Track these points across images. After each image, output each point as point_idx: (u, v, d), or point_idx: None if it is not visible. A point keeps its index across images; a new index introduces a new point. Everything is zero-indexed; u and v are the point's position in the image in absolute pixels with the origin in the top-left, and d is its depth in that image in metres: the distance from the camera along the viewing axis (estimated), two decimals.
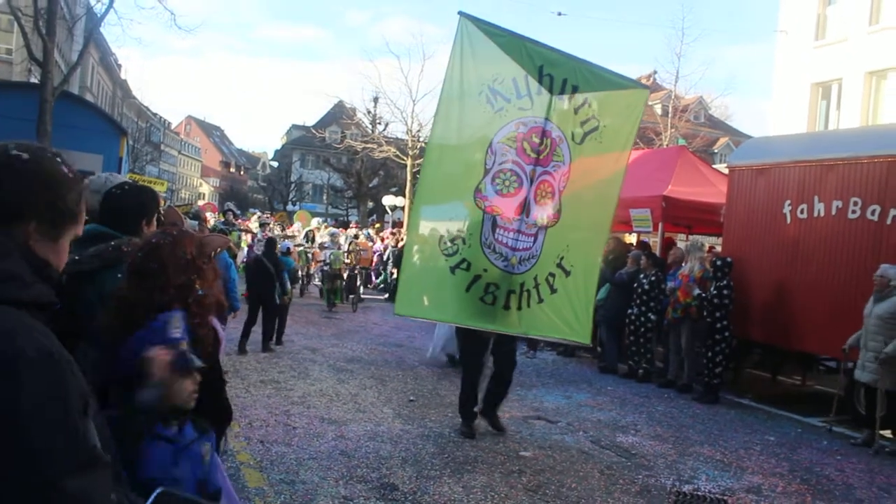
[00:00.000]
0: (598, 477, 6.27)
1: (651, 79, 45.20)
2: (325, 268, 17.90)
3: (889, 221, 8.41)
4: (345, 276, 17.64)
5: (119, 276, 2.78)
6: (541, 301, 6.81)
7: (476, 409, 7.43)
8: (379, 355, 11.42)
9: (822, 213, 9.22)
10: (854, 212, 8.79)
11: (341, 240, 19.20)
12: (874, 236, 8.57)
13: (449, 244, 6.61)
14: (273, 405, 7.80)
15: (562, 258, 6.88)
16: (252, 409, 7.51)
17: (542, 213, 6.77)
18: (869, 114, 21.07)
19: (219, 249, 2.54)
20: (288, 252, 13.63)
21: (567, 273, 6.90)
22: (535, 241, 6.76)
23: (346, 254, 18.13)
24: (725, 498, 5.98)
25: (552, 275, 6.84)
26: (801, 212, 9.48)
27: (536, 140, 6.65)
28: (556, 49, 6.84)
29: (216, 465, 2.33)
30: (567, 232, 6.90)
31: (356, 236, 22.22)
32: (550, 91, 6.66)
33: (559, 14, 52.23)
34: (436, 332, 10.95)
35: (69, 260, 3.01)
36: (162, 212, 3.58)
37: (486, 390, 7.52)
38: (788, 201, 9.64)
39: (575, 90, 6.76)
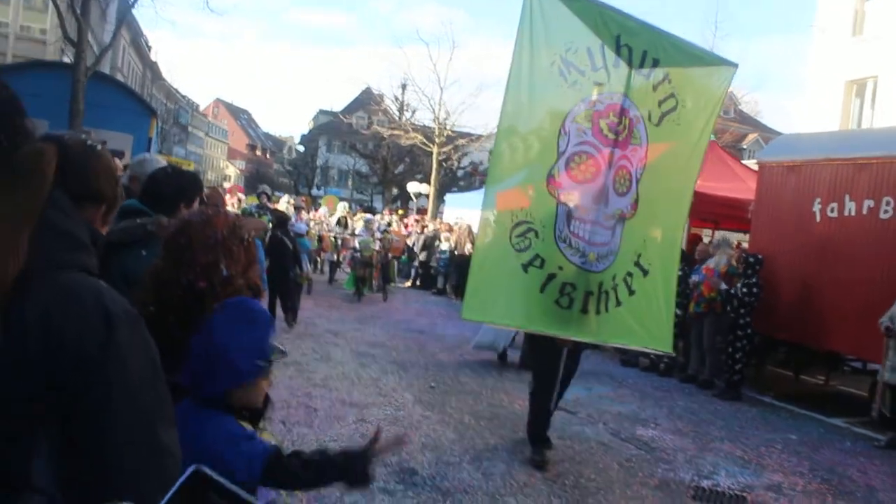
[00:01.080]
0: (617, 469, 6.27)
1: None
2: (357, 254, 17.06)
3: None
4: (376, 263, 16.95)
5: (144, 253, 2.82)
6: (619, 304, 5.99)
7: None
8: (401, 341, 11.47)
9: (853, 213, 9.11)
10: (886, 212, 8.68)
11: (374, 226, 18.87)
12: None
13: (520, 238, 5.73)
14: (295, 387, 7.87)
15: (640, 255, 6.09)
16: (274, 391, 7.50)
17: (621, 202, 5.95)
18: None
19: (253, 233, 2.55)
20: (301, 234, 13.97)
21: (645, 273, 6.10)
22: (612, 235, 5.93)
23: (377, 241, 17.37)
24: (745, 494, 5.96)
25: (630, 274, 6.04)
26: (832, 210, 9.36)
27: (615, 119, 5.82)
28: (635, 17, 6.01)
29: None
30: (644, 226, 6.13)
31: (389, 224, 21.82)
32: (629, 64, 5.82)
33: None
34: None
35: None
36: (206, 193, 3.65)
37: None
38: (818, 199, 9.53)
39: (655, 64, 5.94)
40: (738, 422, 8.38)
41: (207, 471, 1.06)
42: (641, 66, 5.87)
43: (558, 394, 6.53)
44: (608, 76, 5.87)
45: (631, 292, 6.03)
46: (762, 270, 9.65)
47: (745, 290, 9.53)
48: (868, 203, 8.90)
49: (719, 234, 13.16)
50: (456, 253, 18.63)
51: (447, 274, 19.62)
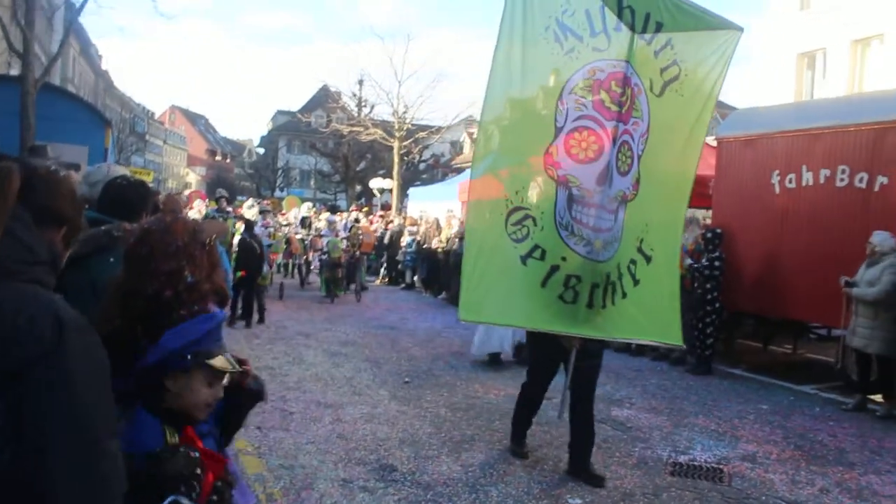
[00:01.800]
0: (595, 451, 6.28)
1: None
2: (324, 257, 16.87)
3: (877, 188, 8.45)
4: (344, 263, 16.70)
5: (111, 260, 2.78)
6: (625, 296, 5.39)
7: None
8: (373, 338, 11.43)
9: (810, 183, 9.25)
10: (842, 180, 8.83)
11: (339, 226, 18.60)
12: (862, 204, 8.60)
13: (517, 227, 5.14)
14: (268, 391, 7.73)
15: (641, 241, 5.49)
16: None
17: (623, 183, 5.32)
18: (854, 82, 21.13)
19: (215, 236, 2.51)
20: (272, 236, 14.44)
21: (648, 259, 5.51)
22: (615, 220, 5.31)
23: (343, 240, 17.15)
24: (721, 467, 6.04)
25: (633, 262, 5.45)
26: (790, 181, 9.50)
27: (617, 89, 5.17)
28: None
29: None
30: (646, 208, 5.49)
31: (357, 220, 21.43)
32: (632, 28, 5.19)
33: None
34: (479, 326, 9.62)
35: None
36: (161, 200, 3.63)
37: (571, 437, 5.87)
38: (777, 171, 9.66)
39: (658, 28, 5.29)
40: (711, 396, 8.49)
41: (184, 501, 1.05)
42: (644, 30, 5.25)
43: (575, 399, 5.77)
44: (608, 41, 5.23)
45: (636, 282, 5.46)
46: (725, 245, 9.78)
47: (707, 263, 9.66)
48: (824, 172, 9.05)
49: (688, 213, 13.28)
50: (424, 246, 18.61)
51: (415, 268, 19.60)
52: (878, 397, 8.12)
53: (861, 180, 8.62)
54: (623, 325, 5.55)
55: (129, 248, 2.30)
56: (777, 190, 9.67)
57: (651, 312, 5.61)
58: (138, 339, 2.00)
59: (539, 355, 5.96)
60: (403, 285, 19.90)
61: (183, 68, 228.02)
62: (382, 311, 14.68)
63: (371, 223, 23.80)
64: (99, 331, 2.19)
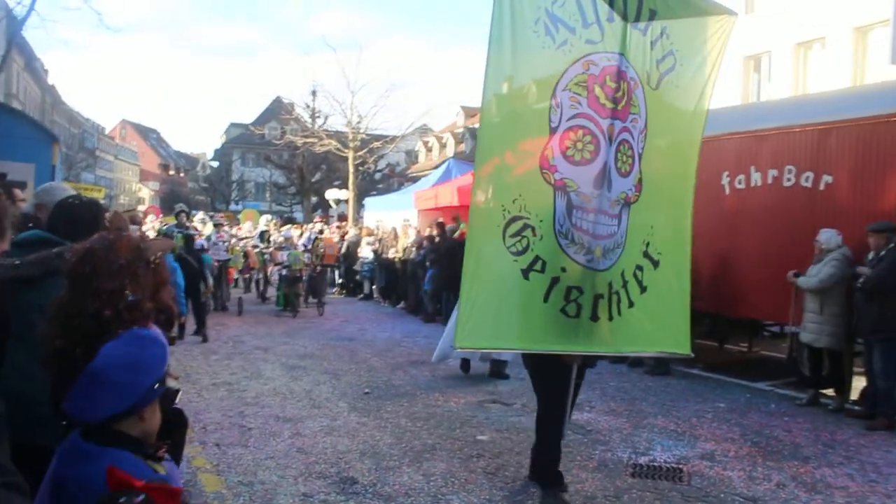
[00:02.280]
0: None
1: None
2: (284, 270, 16.27)
3: (822, 187, 8.65)
4: (304, 276, 16.34)
5: (64, 282, 2.72)
6: (631, 305, 4.98)
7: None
8: (331, 350, 11.35)
9: (759, 183, 9.43)
10: (789, 180, 9.01)
11: (295, 238, 18.20)
12: (809, 202, 8.80)
13: (516, 238, 4.65)
14: (227, 407, 7.69)
15: (648, 245, 5.13)
16: (205, 413, 7.40)
17: (625, 184, 4.95)
18: (798, 84, 21.66)
19: (160, 253, 2.47)
20: (203, 249, 14.15)
21: (655, 264, 5.14)
22: (619, 224, 4.93)
23: (305, 252, 16.68)
24: (681, 466, 6.10)
25: (640, 268, 5.06)
26: (739, 182, 9.67)
27: (612, 84, 4.81)
28: None
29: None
30: (650, 209, 5.14)
31: (321, 231, 20.64)
32: (624, 17, 4.84)
33: None
34: (446, 329, 9.56)
35: (8, 265, 2.92)
36: (108, 218, 3.57)
37: (537, 443, 5.63)
38: (726, 172, 9.83)
39: (652, 16, 4.96)
40: (669, 396, 8.59)
41: None
42: (638, 18, 4.91)
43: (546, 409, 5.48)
44: (601, 33, 4.85)
45: (643, 289, 5.06)
46: None
47: None
48: (772, 173, 9.23)
49: None
50: (382, 256, 18.56)
51: (372, 278, 19.53)
52: (830, 391, 8.29)
53: (807, 179, 8.81)
54: (631, 337, 5.10)
55: (71, 267, 2.25)
56: (727, 191, 9.83)
57: (660, 320, 5.21)
58: (77, 361, 1.94)
59: (546, 376, 5.38)
60: (362, 296, 19.81)
61: (133, 82, 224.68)
62: (341, 323, 14.59)
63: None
64: (41, 352, 2.14)
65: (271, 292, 18.64)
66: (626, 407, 8.05)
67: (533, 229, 4.69)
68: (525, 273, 4.67)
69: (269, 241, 20.44)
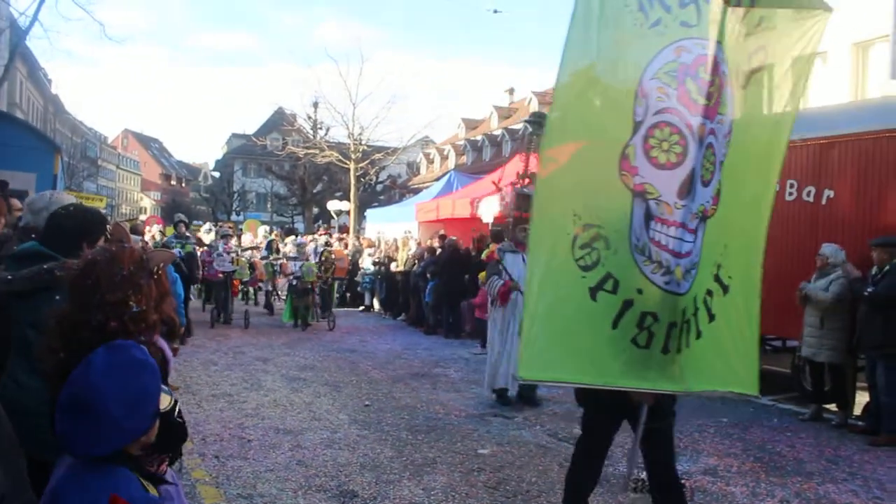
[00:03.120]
0: (558, 470, 6.29)
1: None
2: (294, 282, 15.65)
3: (824, 202, 8.65)
4: (317, 289, 15.65)
5: (57, 298, 2.70)
6: (699, 336, 4.15)
7: None
8: (332, 362, 11.31)
9: None
10: (791, 194, 9.01)
11: (309, 249, 17.21)
12: (811, 217, 8.80)
13: (586, 251, 3.92)
14: (226, 419, 7.65)
15: (719, 267, 4.31)
16: (205, 425, 7.36)
17: (705, 195, 4.17)
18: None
19: (162, 265, 2.46)
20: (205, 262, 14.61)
21: (725, 289, 4.33)
22: (695, 241, 4.12)
23: (318, 264, 15.88)
24: (683, 481, 6.06)
25: (710, 293, 4.26)
26: None
27: (706, 77, 4.02)
28: None
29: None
30: (726, 226, 4.31)
31: (328, 243, 19.81)
32: None
33: (495, 12, 52.06)
34: (489, 359, 8.91)
35: (1, 279, 2.90)
36: (109, 229, 3.53)
37: None
38: None
39: (753, 2, 4.20)
40: None
41: None
42: (738, 3, 4.16)
43: (651, 467, 4.71)
44: (698, 14, 4.13)
45: (711, 317, 4.26)
46: None
47: None
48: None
49: None
50: (382, 268, 18.54)
51: (373, 290, 19.50)
52: (834, 407, 8.26)
53: (808, 194, 8.81)
54: (699, 373, 4.24)
55: (73, 279, 2.24)
56: None
57: (726, 355, 4.38)
58: None
59: (596, 408, 4.61)
60: (363, 308, 19.78)
61: (136, 92, 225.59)
62: (342, 335, 14.55)
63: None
64: (43, 364, 2.13)
65: (279, 305, 18.07)
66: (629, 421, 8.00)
67: (606, 241, 3.95)
68: (593, 293, 3.93)
69: (277, 252, 19.88)
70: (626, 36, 4.08)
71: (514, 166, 10.27)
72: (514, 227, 8.89)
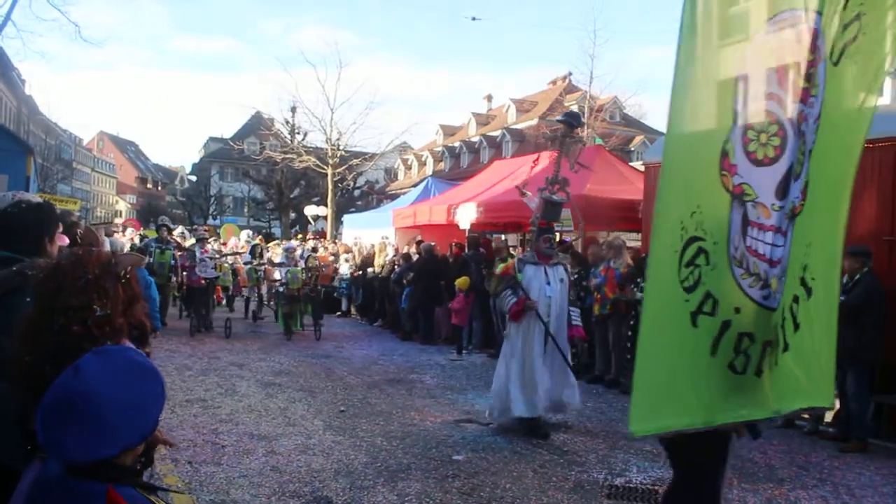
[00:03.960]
0: (532, 476, 6.31)
1: (567, 80, 46.18)
2: (281, 288, 15.12)
3: None
4: (303, 296, 15.07)
5: (28, 300, 2.67)
6: (786, 348, 3.60)
7: None
8: (307, 367, 11.26)
9: None
10: None
11: (297, 254, 16.16)
12: None
13: (690, 269, 3.32)
14: (200, 424, 7.59)
15: (805, 268, 3.73)
16: (179, 430, 7.29)
17: (795, 190, 3.45)
18: None
19: (130, 268, 2.43)
20: (184, 266, 14.48)
21: (809, 293, 3.75)
22: (785, 244, 3.47)
23: (304, 271, 15.24)
24: (656, 488, 6.10)
25: (796, 299, 3.69)
26: None
27: (808, 56, 3.36)
28: None
29: None
30: (810, 223, 3.67)
31: (315, 249, 19.48)
32: None
33: (473, 19, 52.30)
34: (504, 386, 8.00)
35: None
36: (80, 234, 3.48)
37: None
38: None
39: None
40: None
41: None
42: None
43: None
44: None
45: (796, 326, 3.69)
46: None
47: (640, 292, 9.83)
48: None
49: (612, 236, 13.53)
50: (359, 274, 18.48)
51: (350, 295, 19.44)
52: (805, 414, 8.34)
53: None
54: (786, 392, 3.66)
55: (38, 284, 2.22)
56: None
57: (809, 366, 3.82)
58: (48, 378, 1.90)
59: (697, 451, 3.77)
60: (339, 313, 19.72)
61: (111, 94, 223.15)
62: (316, 340, 14.48)
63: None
64: (10, 370, 2.10)
65: (266, 312, 17.41)
66: (603, 427, 8.05)
67: (707, 255, 3.35)
68: (693, 317, 3.32)
69: (261, 257, 18.79)
70: (728, 12, 3.55)
71: (543, 170, 9.79)
72: (539, 236, 8.13)
